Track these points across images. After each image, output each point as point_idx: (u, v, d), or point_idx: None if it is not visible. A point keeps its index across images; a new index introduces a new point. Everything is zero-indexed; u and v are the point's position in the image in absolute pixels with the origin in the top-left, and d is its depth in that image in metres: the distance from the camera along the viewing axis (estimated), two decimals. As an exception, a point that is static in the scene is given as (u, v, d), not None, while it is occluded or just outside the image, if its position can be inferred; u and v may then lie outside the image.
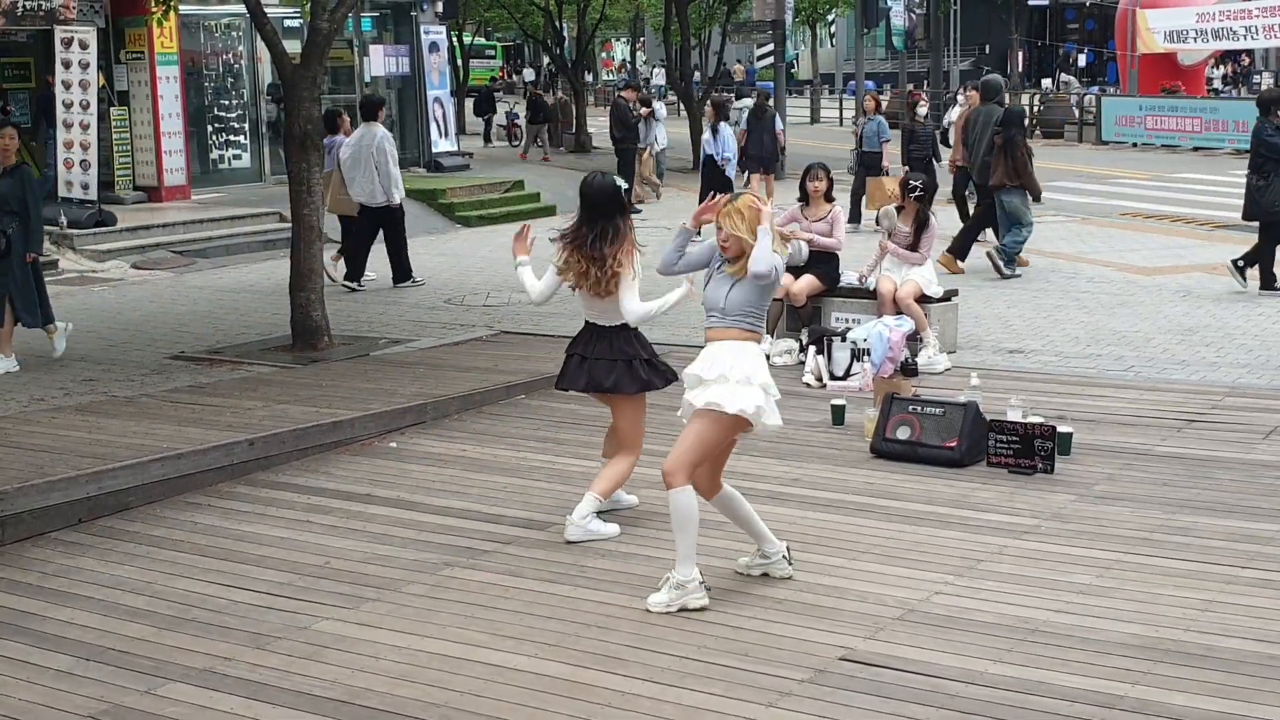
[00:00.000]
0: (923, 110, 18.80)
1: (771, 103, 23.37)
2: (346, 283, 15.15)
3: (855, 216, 18.99)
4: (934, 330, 10.67)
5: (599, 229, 6.81)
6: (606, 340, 6.95)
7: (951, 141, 19.65)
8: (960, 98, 24.53)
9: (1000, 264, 14.75)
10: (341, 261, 15.42)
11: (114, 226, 18.19)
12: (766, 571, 6.25)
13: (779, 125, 22.35)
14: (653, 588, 6.02)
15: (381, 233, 15.28)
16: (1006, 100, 18.11)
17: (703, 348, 6.13)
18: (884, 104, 22.79)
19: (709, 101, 23.32)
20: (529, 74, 56.45)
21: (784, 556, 6.27)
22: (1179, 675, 5.14)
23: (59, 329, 11.57)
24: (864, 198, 19.43)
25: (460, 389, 9.79)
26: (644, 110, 23.38)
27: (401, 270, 15.42)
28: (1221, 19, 32.98)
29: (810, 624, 5.70)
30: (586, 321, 7.07)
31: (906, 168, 17.04)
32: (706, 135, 20.33)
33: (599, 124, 29.70)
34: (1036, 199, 15.11)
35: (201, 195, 21.19)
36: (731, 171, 20.00)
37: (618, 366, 6.91)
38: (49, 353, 11.42)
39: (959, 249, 15.34)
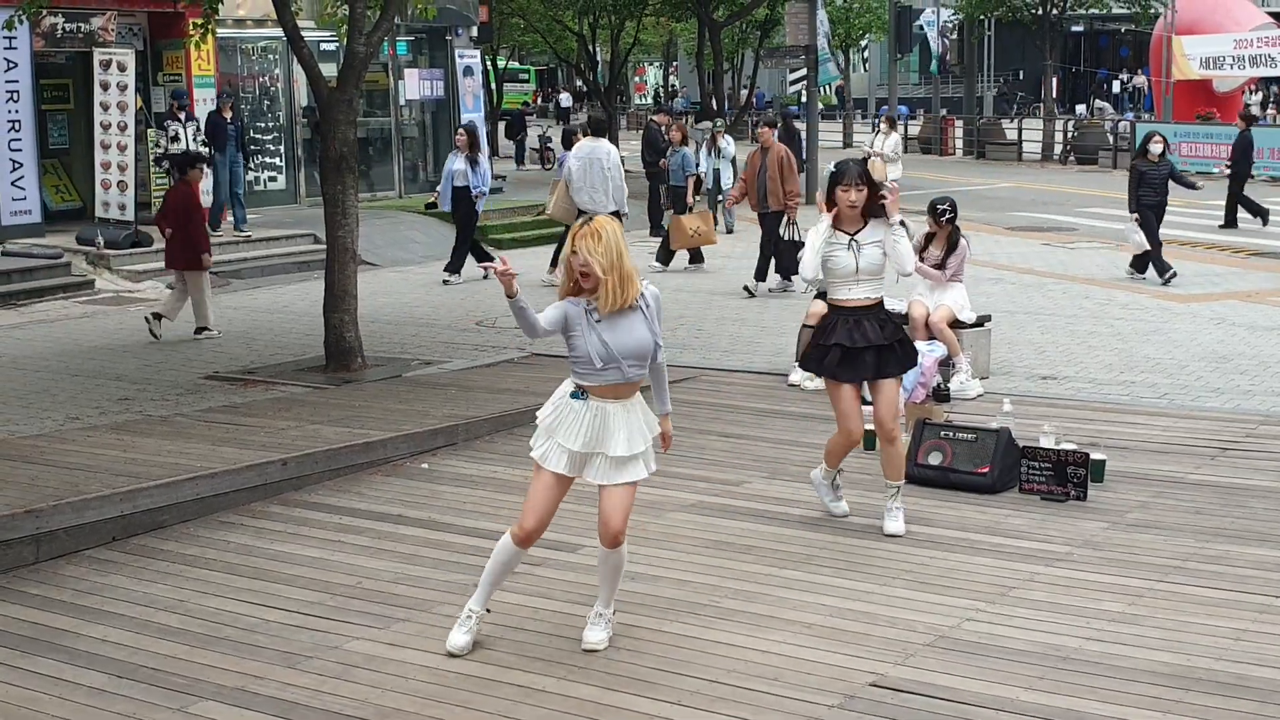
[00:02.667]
0: (1157, 148, 16.02)
1: (804, 126, 23.50)
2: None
3: (664, 258, 17.93)
4: (966, 356, 10.64)
5: None
6: None
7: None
8: (883, 127, 24.66)
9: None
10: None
11: (150, 247, 18.32)
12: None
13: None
14: (684, 611, 6.03)
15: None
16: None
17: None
18: (720, 134, 21.99)
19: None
20: (565, 98, 56.40)
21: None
22: (1211, 704, 5.11)
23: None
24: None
25: (492, 411, 9.82)
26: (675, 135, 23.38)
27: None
28: (1259, 45, 32.83)
29: (840, 649, 5.69)
30: None
31: (1135, 216, 15.99)
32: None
33: (631, 148, 29.82)
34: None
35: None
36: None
37: None
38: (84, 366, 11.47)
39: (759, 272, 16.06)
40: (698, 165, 20.42)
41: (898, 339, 7.23)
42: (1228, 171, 22.33)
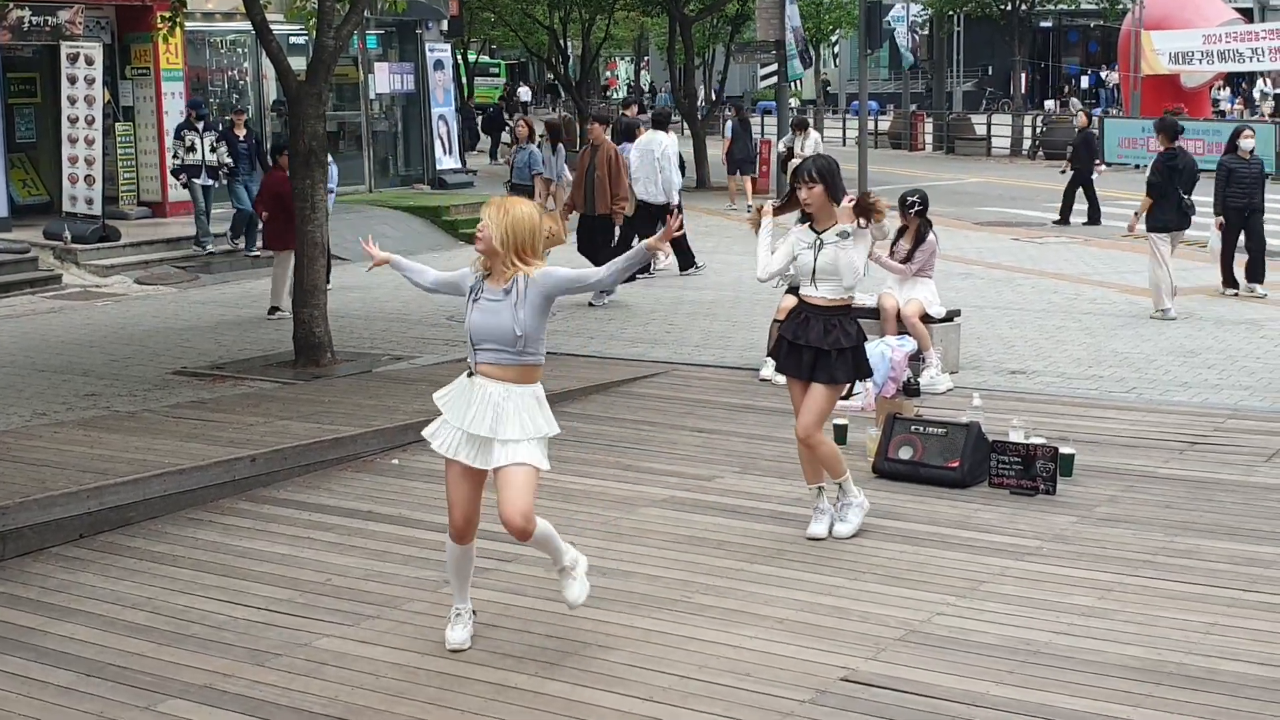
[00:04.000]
0: (1249, 143, 14.67)
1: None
2: (684, 272, 16.81)
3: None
4: (937, 350, 10.66)
5: None
6: None
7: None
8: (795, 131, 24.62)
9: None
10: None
11: (118, 241, 18.25)
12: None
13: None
14: (655, 606, 6.03)
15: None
16: None
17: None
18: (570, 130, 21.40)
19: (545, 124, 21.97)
20: (525, 92, 56.23)
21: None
22: (1181, 698, 5.12)
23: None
24: None
25: (462, 406, 9.78)
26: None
27: (686, 257, 17.13)
28: (1228, 41, 33.01)
29: (812, 644, 5.69)
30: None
31: (1220, 219, 14.80)
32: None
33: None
34: None
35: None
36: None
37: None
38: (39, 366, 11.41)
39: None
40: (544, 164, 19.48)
41: (840, 347, 6.93)
42: (1070, 169, 22.20)
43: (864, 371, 7.21)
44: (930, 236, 10.97)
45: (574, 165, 15.78)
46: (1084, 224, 21.58)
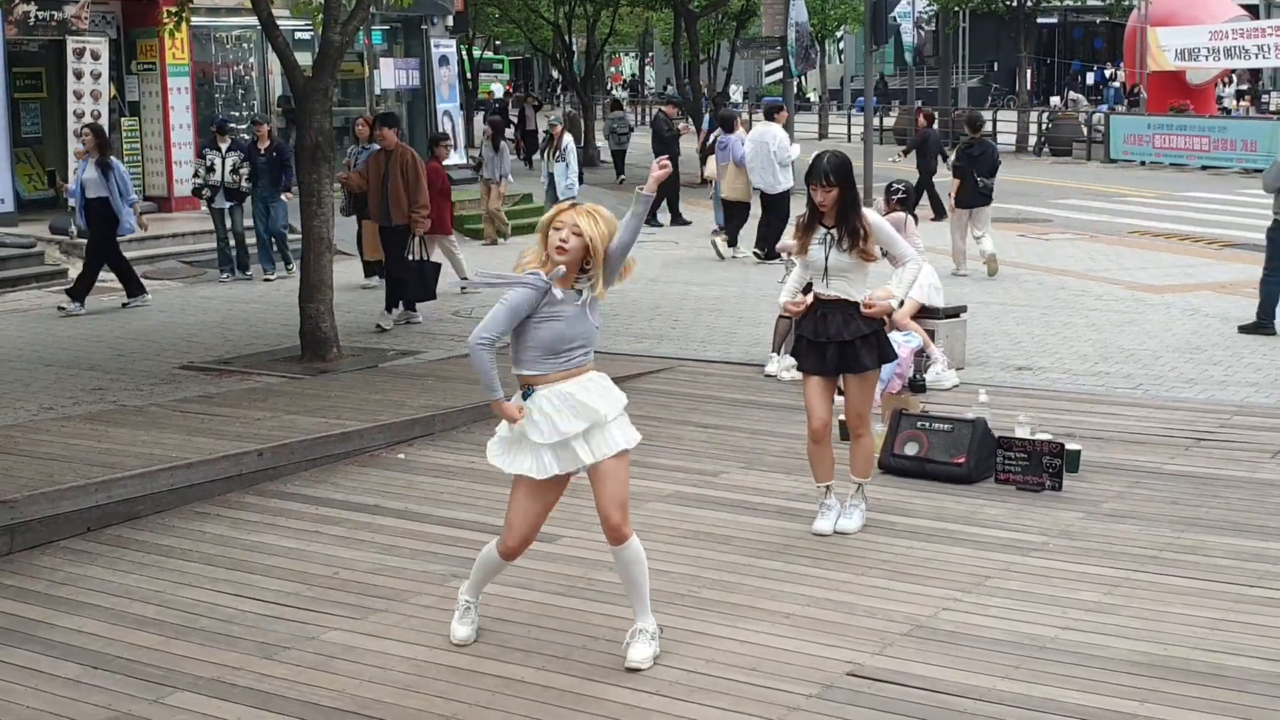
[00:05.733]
0: None
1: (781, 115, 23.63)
2: (756, 251, 17.61)
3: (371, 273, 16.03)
4: (941, 346, 10.67)
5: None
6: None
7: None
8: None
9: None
10: (723, 239, 18.19)
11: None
12: None
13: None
14: (662, 601, 6.03)
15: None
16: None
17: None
18: (561, 131, 19.65)
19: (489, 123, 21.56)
20: (496, 89, 56.02)
21: None
22: (1187, 694, 5.13)
23: None
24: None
25: (469, 401, 9.79)
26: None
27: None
28: (1235, 37, 32.99)
29: (818, 639, 5.70)
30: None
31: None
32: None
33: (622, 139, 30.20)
34: None
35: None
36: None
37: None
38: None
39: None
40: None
41: (863, 334, 6.93)
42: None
43: (889, 354, 7.19)
44: (909, 223, 11.07)
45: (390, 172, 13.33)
46: (932, 220, 21.03)
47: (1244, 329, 12.55)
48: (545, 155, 20.15)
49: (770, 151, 17.34)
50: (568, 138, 19.64)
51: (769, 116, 18.22)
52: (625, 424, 5.50)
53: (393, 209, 13.24)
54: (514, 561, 5.71)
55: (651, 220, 20.36)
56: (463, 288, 15.20)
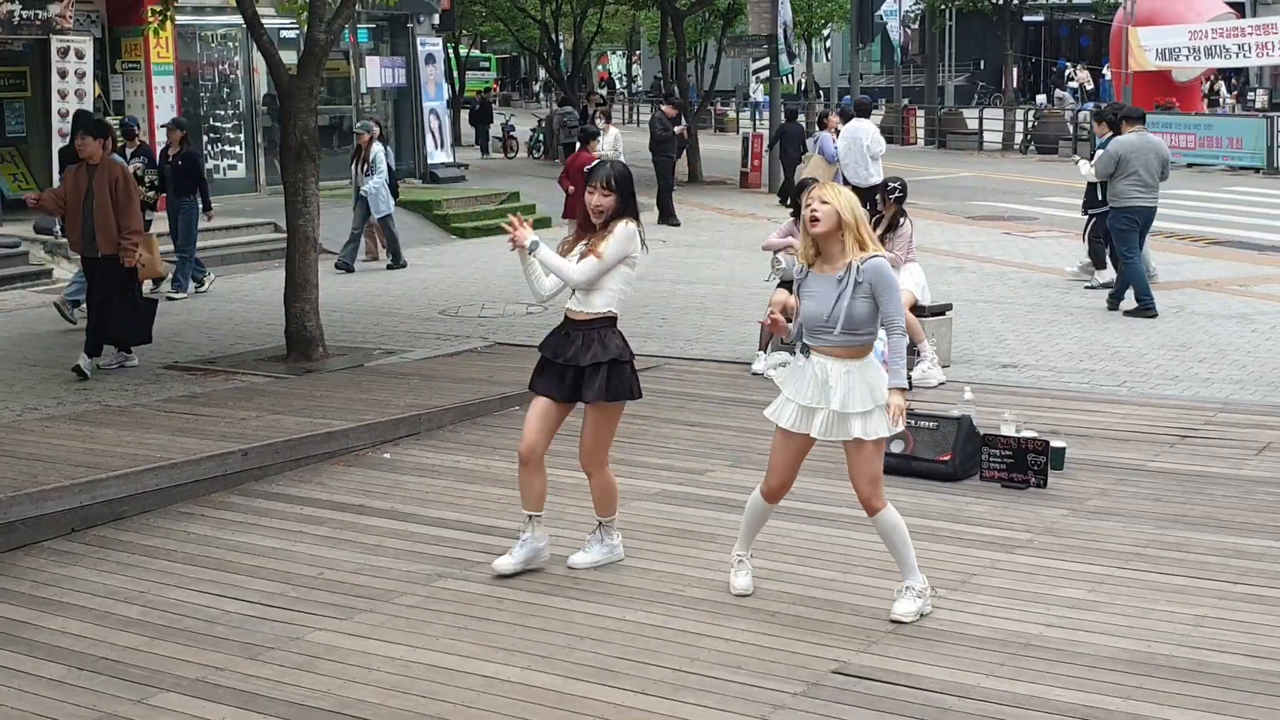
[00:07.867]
0: None
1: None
2: None
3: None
4: (930, 343, 10.68)
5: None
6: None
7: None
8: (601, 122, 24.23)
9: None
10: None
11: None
12: None
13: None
14: (647, 599, 6.03)
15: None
16: None
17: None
18: (370, 139, 17.73)
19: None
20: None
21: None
22: (1171, 690, 5.14)
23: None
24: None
25: (454, 400, 9.79)
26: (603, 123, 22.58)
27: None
28: (1214, 37, 33.04)
29: (803, 637, 5.70)
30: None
31: None
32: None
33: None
34: None
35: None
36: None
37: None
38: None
39: None
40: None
41: (599, 362, 6.27)
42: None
43: (627, 391, 6.47)
44: (905, 225, 11.00)
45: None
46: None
47: (1127, 312, 13.35)
48: (354, 167, 17.96)
49: (864, 146, 18.32)
50: (376, 147, 17.62)
51: (861, 113, 19.22)
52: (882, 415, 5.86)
53: (99, 235, 10.82)
54: (774, 504, 6.11)
55: (670, 220, 21.68)
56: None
